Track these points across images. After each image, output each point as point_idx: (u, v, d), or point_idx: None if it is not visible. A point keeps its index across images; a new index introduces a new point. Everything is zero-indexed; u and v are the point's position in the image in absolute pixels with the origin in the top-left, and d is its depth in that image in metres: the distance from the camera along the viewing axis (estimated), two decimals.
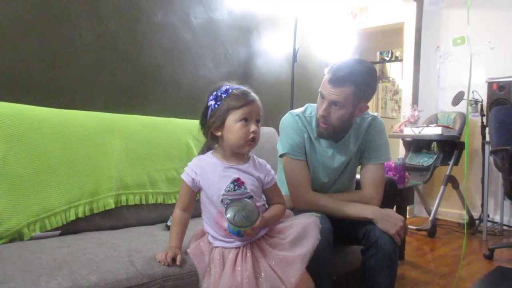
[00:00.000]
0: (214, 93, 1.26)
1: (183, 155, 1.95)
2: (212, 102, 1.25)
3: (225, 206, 1.21)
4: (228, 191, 1.23)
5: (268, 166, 1.36)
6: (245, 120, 1.22)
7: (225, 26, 2.65)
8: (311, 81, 3.33)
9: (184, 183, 1.28)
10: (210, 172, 1.26)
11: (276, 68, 3.03)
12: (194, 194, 1.29)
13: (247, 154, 1.32)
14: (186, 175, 1.27)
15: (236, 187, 1.24)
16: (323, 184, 1.67)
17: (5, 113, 1.47)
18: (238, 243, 1.22)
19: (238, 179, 1.25)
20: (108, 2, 2.04)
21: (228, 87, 1.26)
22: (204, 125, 1.29)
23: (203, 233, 1.32)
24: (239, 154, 1.29)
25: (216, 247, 1.24)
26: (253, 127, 1.23)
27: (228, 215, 1.16)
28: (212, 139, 1.29)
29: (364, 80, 1.49)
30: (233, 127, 1.22)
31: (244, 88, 1.28)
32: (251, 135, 1.23)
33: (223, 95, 1.24)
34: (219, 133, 1.25)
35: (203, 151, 1.34)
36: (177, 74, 2.38)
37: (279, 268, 1.18)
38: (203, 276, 1.20)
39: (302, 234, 1.26)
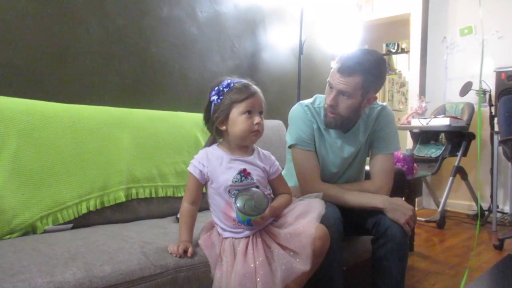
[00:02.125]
0: (216, 88, 1.27)
1: (192, 148, 1.96)
2: (215, 97, 1.26)
3: (233, 196, 1.23)
4: (235, 181, 1.24)
5: (273, 157, 1.38)
6: (249, 112, 1.24)
7: (231, 19, 2.64)
8: (317, 73, 3.32)
9: (191, 176, 1.28)
10: (216, 164, 1.27)
11: (283, 61, 3.02)
12: (201, 187, 1.30)
13: (251, 147, 1.34)
14: (193, 168, 1.28)
15: (242, 177, 1.25)
16: (333, 174, 1.67)
17: (16, 108, 1.49)
18: (247, 233, 1.24)
19: (245, 170, 1.26)
20: None
21: (229, 81, 1.27)
22: (208, 120, 1.31)
23: (213, 225, 1.33)
24: (244, 146, 1.31)
25: (226, 238, 1.25)
26: (257, 119, 1.25)
27: (238, 204, 1.18)
28: (217, 133, 1.30)
29: (373, 70, 1.48)
30: (237, 120, 1.24)
31: (245, 81, 1.29)
32: (256, 127, 1.25)
33: (225, 89, 1.25)
34: (224, 127, 1.27)
35: (208, 144, 1.36)
36: (184, 68, 2.38)
37: (291, 243, 1.19)
38: (215, 267, 1.21)
39: (306, 209, 1.28)
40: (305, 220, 1.23)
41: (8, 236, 1.35)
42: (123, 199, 1.65)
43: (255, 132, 1.26)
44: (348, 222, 1.50)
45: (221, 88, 1.26)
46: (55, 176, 1.49)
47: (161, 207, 1.79)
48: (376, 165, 1.65)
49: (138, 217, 1.70)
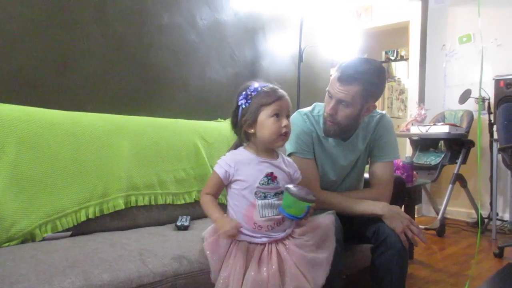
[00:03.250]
0: (244, 92, 1.29)
1: (191, 155, 1.96)
2: (243, 101, 1.28)
3: (260, 198, 1.25)
4: (262, 184, 1.26)
5: (295, 164, 1.40)
6: (277, 115, 1.26)
7: (231, 27, 2.66)
8: (317, 80, 3.33)
9: (215, 175, 1.29)
10: (245, 164, 1.28)
11: (282, 68, 3.03)
12: (222, 187, 1.31)
13: (276, 151, 1.35)
14: (219, 167, 1.29)
15: (269, 181, 1.27)
16: (332, 182, 1.67)
17: (16, 115, 1.49)
18: (264, 239, 1.24)
19: (272, 173, 1.28)
20: (115, 5, 2.05)
21: (257, 85, 1.29)
22: (235, 124, 1.32)
23: None
24: (270, 150, 1.32)
25: (241, 240, 1.24)
26: (285, 122, 1.26)
27: (296, 193, 1.20)
28: (245, 137, 1.32)
29: (372, 79, 1.49)
30: (266, 123, 1.26)
31: (272, 85, 1.31)
32: (284, 130, 1.26)
33: (253, 93, 1.27)
34: (252, 130, 1.28)
35: (233, 148, 1.36)
36: (184, 75, 2.39)
37: (307, 269, 1.21)
38: (217, 270, 1.20)
39: (324, 237, 1.30)
40: (324, 255, 1.26)
41: (6, 244, 1.34)
42: (122, 207, 1.65)
43: (283, 135, 1.28)
44: (348, 230, 1.50)
45: (249, 92, 1.28)
46: (54, 184, 1.49)
47: (160, 214, 1.79)
48: (375, 173, 1.66)
49: (137, 224, 1.70)
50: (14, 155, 1.43)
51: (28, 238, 1.40)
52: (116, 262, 1.15)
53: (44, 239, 1.42)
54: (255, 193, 1.26)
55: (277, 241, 1.25)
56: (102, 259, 1.17)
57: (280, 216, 1.26)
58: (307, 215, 1.23)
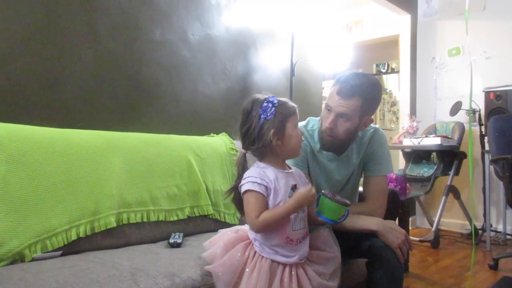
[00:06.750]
0: (265, 104, 1.26)
1: (184, 171, 1.94)
2: (267, 113, 1.25)
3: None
4: (290, 197, 1.25)
5: (303, 174, 1.43)
6: (296, 126, 1.29)
7: (222, 42, 2.67)
8: (309, 94, 3.34)
9: (256, 195, 1.22)
10: (274, 178, 1.26)
11: (274, 82, 3.04)
12: (266, 204, 1.25)
13: (286, 164, 1.36)
14: (257, 186, 1.22)
15: (294, 193, 1.27)
16: None
17: (5, 133, 1.47)
18: (289, 260, 1.24)
19: (295, 185, 1.29)
20: (106, 21, 2.05)
21: (272, 97, 1.28)
22: (255, 138, 1.27)
23: (234, 243, 1.29)
24: (283, 162, 1.33)
25: (264, 257, 1.23)
26: (301, 132, 1.31)
27: (333, 198, 1.26)
28: (269, 150, 1.28)
29: (371, 93, 1.50)
30: (293, 133, 1.28)
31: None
32: (302, 139, 1.31)
33: (276, 104, 1.27)
34: (279, 142, 1.26)
35: (242, 164, 1.32)
36: (176, 90, 2.38)
37: None
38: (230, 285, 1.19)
39: (337, 269, 1.37)
40: (334, 284, 1.33)
41: None
42: (114, 225, 1.62)
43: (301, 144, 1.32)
44: (343, 245, 1.48)
45: (271, 104, 1.26)
46: (45, 202, 1.47)
47: (153, 231, 1.76)
48: (369, 188, 1.65)
49: (129, 242, 1.67)
50: (3, 173, 1.40)
51: (17, 258, 1.36)
52: (107, 283, 1.12)
53: (33, 260, 1.39)
54: None
55: (297, 265, 1.26)
56: (92, 279, 1.14)
57: (305, 229, 1.29)
58: (345, 218, 1.28)
